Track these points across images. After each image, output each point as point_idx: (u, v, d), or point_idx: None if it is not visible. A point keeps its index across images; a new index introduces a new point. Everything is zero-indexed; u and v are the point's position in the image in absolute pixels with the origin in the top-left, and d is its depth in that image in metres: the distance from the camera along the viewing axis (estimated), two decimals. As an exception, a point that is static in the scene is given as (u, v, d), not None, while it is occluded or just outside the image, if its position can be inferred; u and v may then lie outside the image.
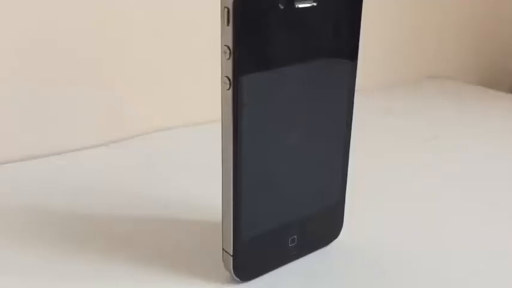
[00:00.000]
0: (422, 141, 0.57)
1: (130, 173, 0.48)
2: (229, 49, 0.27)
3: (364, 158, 0.51)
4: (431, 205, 0.43)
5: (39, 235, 0.38)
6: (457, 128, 0.61)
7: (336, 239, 0.37)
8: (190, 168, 0.49)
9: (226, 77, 0.28)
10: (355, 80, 0.33)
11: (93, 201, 0.43)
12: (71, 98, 0.52)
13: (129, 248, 0.37)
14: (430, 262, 0.36)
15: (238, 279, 0.33)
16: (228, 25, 0.27)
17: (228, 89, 0.28)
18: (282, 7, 0.28)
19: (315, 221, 0.35)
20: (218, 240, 0.33)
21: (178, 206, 0.42)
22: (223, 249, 0.33)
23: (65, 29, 0.49)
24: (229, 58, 0.27)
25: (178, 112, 0.58)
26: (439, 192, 0.46)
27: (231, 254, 0.32)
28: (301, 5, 0.28)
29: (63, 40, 0.50)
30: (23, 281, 0.33)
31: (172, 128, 0.57)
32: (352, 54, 0.32)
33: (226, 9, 0.27)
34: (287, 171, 0.33)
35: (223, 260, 0.33)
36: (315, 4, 0.29)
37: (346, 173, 0.36)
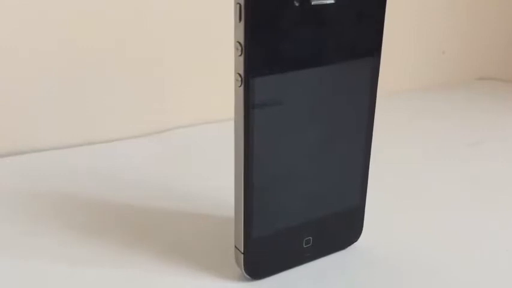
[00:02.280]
0: (462, 145, 0.54)
1: (163, 165, 0.49)
2: (241, 45, 0.27)
3: (398, 161, 0.50)
4: (459, 214, 0.42)
5: (63, 222, 0.39)
6: (502, 132, 0.58)
7: (355, 243, 0.36)
8: (223, 164, 0.49)
9: (238, 73, 0.28)
10: (377, 80, 0.32)
11: (122, 191, 0.44)
12: (109, 90, 0.53)
13: (148, 238, 0.37)
14: (450, 273, 0.35)
15: (248, 277, 0.33)
16: (240, 21, 0.27)
17: (240, 86, 0.28)
18: (297, 4, 0.27)
19: (332, 224, 0.35)
20: (237, 237, 0.33)
21: (204, 201, 0.42)
22: (235, 246, 0.33)
23: (104, 21, 0.50)
24: (240, 55, 0.27)
25: (217, 107, 0.58)
26: (469, 200, 0.44)
27: (242, 251, 0.32)
28: (317, 2, 0.28)
29: (102, 33, 0.51)
30: (42, 265, 0.35)
31: (211, 123, 0.57)
32: (373, 54, 0.31)
33: (238, 5, 0.26)
34: (301, 171, 0.32)
35: (235, 257, 0.33)
36: (332, 2, 0.28)
37: (367, 176, 0.35)
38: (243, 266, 0.32)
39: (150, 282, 0.33)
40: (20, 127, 0.51)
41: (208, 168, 0.48)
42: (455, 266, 0.35)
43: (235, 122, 0.29)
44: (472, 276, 0.34)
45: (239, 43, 0.27)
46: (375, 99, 0.33)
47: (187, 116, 0.57)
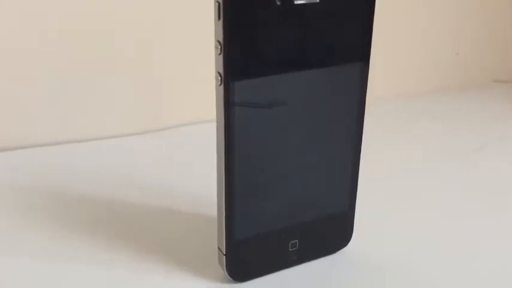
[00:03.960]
0: (468, 149, 0.53)
1: (160, 163, 0.49)
2: (220, 44, 0.26)
3: (398, 163, 0.49)
4: (455, 219, 0.40)
5: (54, 217, 0.39)
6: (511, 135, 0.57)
7: (345, 248, 0.36)
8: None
9: (218, 72, 0.27)
10: (366, 81, 0.31)
11: (117, 189, 0.44)
12: (107, 87, 0.53)
13: (137, 236, 0.37)
14: (445, 282, 0.33)
15: (231, 278, 0.32)
16: (219, 19, 0.26)
17: (220, 85, 0.27)
18: (278, 3, 0.27)
19: (320, 227, 0.34)
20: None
21: (199, 200, 0.42)
22: (218, 247, 0.32)
23: (105, 20, 0.50)
24: (220, 53, 0.27)
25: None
26: (467, 204, 0.42)
27: (224, 253, 0.31)
28: (300, 2, 0.27)
29: (103, 31, 0.51)
30: (28, 261, 0.35)
31: (208, 122, 0.57)
32: (361, 57, 0.30)
33: (217, 3, 0.26)
34: (286, 174, 0.31)
35: (218, 258, 0.33)
36: (317, 1, 0.27)
37: (357, 180, 0.34)
38: (225, 267, 0.32)
39: (131, 281, 0.33)
40: (18, 123, 0.51)
41: (205, 167, 0.47)
42: (450, 274, 0.34)
43: (216, 122, 0.29)
44: (468, 284, 0.33)
45: (218, 42, 0.27)
46: (364, 103, 0.32)
47: (186, 114, 0.57)
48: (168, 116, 0.56)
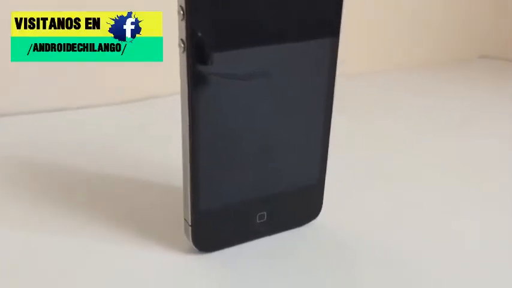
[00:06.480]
0: (448, 124, 0.53)
1: (133, 134, 0.48)
2: (183, 10, 0.26)
3: (374, 138, 0.49)
4: (429, 194, 0.40)
5: (20, 187, 0.39)
6: (495, 112, 0.56)
7: (314, 221, 0.35)
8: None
9: (181, 39, 0.27)
10: (336, 55, 0.31)
11: (86, 159, 0.43)
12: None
13: (105, 207, 0.37)
14: (414, 259, 0.33)
15: (197, 249, 0.32)
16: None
17: (183, 52, 0.27)
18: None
19: (289, 200, 0.34)
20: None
21: (169, 171, 0.41)
22: (184, 218, 0.32)
23: None
24: (183, 19, 0.26)
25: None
26: (441, 179, 0.42)
27: (190, 223, 0.31)
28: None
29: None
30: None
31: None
32: (331, 31, 0.30)
33: None
34: (254, 145, 0.31)
35: (184, 229, 0.32)
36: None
37: (326, 153, 0.34)
38: (191, 238, 0.32)
39: (98, 250, 0.33)
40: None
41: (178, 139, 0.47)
42: (419, 247, 0.34)
43: (180, 91, 0.28)
44: (438, 261, 0.33)
45: (181, 7, 0.26)
46: (334, 76, 0.31)
47: (165, 85, 0.56)
48: (143, 87, 0.55)
